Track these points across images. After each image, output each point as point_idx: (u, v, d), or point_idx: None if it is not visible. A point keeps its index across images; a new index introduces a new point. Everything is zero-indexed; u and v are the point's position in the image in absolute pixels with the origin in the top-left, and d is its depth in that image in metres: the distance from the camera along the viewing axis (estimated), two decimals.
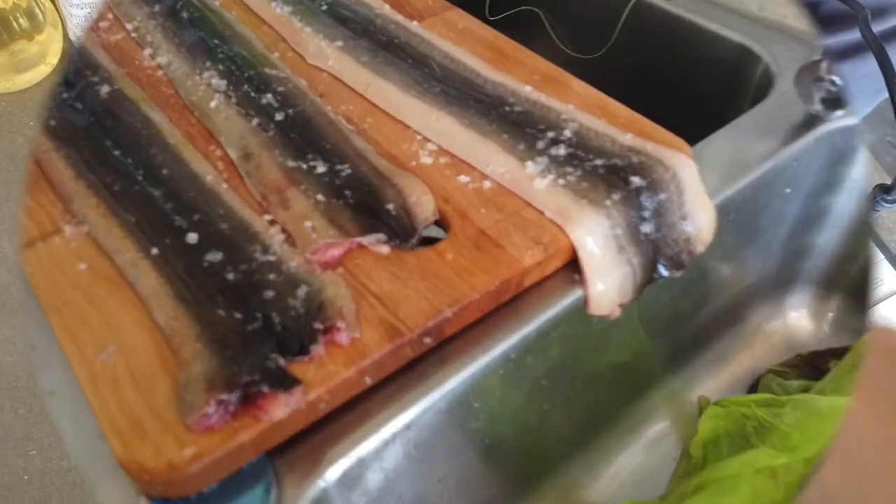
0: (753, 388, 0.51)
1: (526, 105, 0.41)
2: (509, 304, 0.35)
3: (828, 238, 0.50)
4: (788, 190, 0.46)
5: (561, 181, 0.36)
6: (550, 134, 0.39)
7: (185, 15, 0.50)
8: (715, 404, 0.46)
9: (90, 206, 0.35)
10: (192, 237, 0.33)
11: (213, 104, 0.42)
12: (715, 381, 0.53)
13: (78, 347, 0.30)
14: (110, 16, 0.51)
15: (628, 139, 0.39)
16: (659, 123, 0.42)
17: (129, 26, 0.50)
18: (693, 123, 0.45)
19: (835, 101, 0.42)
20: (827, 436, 0.39)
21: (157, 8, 0.51)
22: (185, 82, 0.44)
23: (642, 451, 0.49)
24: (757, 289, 0.53)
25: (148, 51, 0.47)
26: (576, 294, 0.35)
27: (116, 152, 0.39)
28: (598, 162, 0.37)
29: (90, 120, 0.41)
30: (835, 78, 0.42)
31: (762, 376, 0.52)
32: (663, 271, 0.37)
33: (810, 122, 0.44)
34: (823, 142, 0.44)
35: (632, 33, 0.60)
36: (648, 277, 0.37)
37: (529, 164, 0.37)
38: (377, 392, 0.31)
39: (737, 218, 0.44)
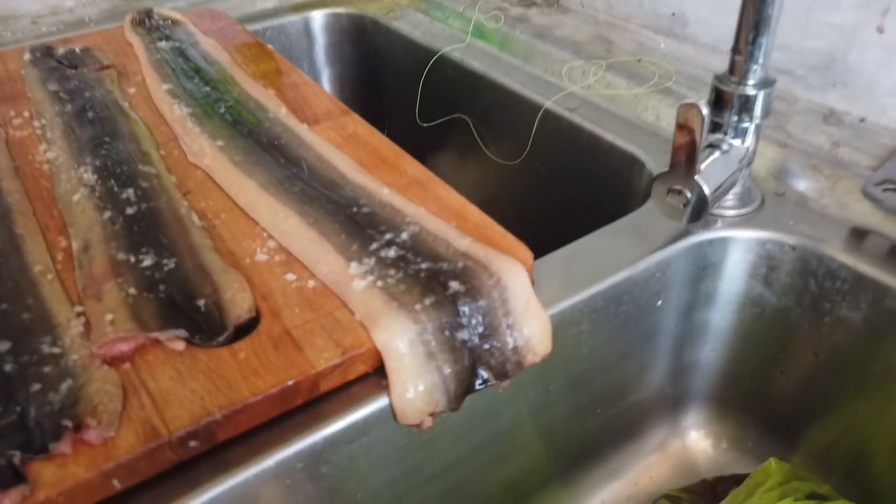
0: None
1: (375, 207, 0.41)
2: (305, 409, 0.33)
3: (712, 355, 0.47)
4: (660, 302, 0.44)
5: (379, 283, 0.36)
6: (388, 235, 0.39)
7: (90, 115, 0.52)
8: None
9: None
10: None
11: (76, 197, 0.43)
12: (610, 499, 0.49)
13: None
14: (26, 113, 0.54)
15: (465, 244, 0.38)
16: (559, 229, 0.41)
17: (36, 123, 0.52)
18: (590, 229, 0.45)
19: (693, 214, 0.41)
20: None
21: (67, 108, 0.53)
22: (60, 176, 0.46)
23: None
24: (653, 405, 0.50)
25: (43, 146, 0.50)
26: (384, 401, 0.34)
27: None
28: (424, 266, 0.37)
29: None
30: (687, 190, 0.40)
31: (656, 501, 0.48)
32: (485, 380, 0.35)
33: (679, 233, 0.43)
34: (690, 253, 0.43)
35: (543, 143, 0.60)
36: (466, 387, 0.35)
37: (354, 264, 0.37)
38: (140, 496, 0.30)
39: (600, 327, 0.42)
